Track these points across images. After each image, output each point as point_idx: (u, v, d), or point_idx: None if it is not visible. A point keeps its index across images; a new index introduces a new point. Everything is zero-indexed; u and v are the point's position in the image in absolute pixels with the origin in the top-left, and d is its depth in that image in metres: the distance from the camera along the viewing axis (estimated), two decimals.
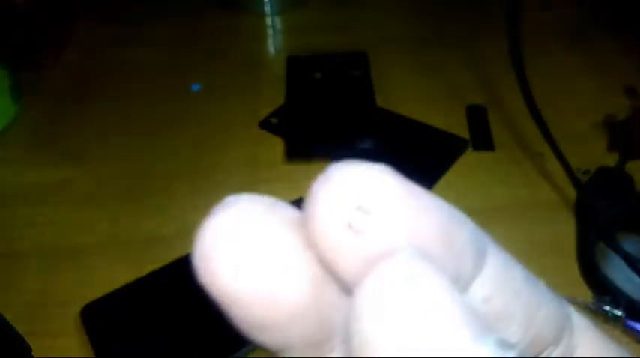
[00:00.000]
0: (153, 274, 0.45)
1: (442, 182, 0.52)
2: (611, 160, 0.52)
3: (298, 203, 0.42)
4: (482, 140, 0.56)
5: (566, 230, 0.48)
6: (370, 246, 0.09)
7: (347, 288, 0.10)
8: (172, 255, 0.46)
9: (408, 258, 0.09)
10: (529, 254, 0.46)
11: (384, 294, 0.08)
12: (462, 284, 0.10)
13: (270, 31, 0.74)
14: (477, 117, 0.58)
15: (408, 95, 0.62)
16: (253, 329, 0.10)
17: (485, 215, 0.49)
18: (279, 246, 0.10)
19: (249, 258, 0.10)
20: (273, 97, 0.62)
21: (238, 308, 0.10)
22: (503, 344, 0.08)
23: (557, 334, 0.12)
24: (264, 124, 0.59)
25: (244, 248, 0.10)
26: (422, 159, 0.54)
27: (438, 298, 0.08)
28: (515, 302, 0.11)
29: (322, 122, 0.58)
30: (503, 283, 0.11)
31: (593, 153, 0.53)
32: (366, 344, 0.08)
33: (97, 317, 0.42)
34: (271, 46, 0.72)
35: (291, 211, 0.11)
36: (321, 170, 0.46)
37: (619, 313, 0.41)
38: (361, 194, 0.09)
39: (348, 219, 0.09)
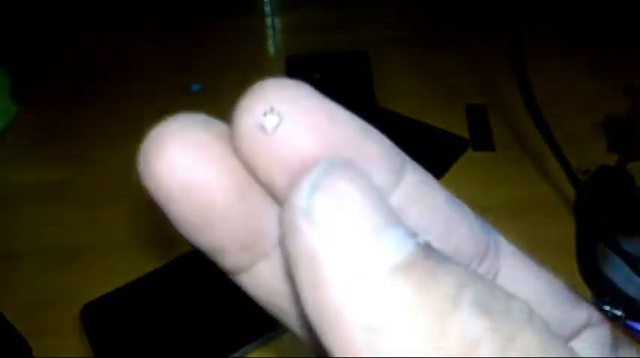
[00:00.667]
0: (152, 274, 0.44)
1: (442, 182, 0.52)
2: (611, 160, 0.51)
3: None
4: (483, 140, 0.56)
5: (566, 230, 0.48)
6: (283, 147, 0.11)
7: (270, 192, 0.12)
8: (172, 255, 0.46)
9: (323, 166, 0.10)
10: (530, 254, 0.46)
11: (312, 207, 0.10)
12: (379, 180, 0.12)
13: (270, 31, 0.74)
14: (477, 117, 0.58)
15: (408, 95, 0.61)
16: (188, 228, 0.12)
17: (485, 215, 0.49)
18: (208, 153, 0.11)
19: (183, 160, 0.11)
20: None
21: (172, 204, 0.12)
22: (414, 233, 0.10)
23: (477, 251, 0.14)
24: None
25: (179, 152, 0.11)
26: (422, 159, 0.53)
27: (350, 196, 0.10)
28: (431, 217, 0.12)
29: None
30: (419, 198, 0.12)
31: (593, 154, 0.53)
32: (303, 252, 0.10)
33: (97, 317, 0.42)
34: (271, 46, 0.72)
35: (224, 126, 0.12)
36: None
37: (619, 313, 0.41)
38: (274, 100, 0.11)
39: (259, 120, 0.11)
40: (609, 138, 0.54)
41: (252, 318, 0.42)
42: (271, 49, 0.71)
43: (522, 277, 0.15)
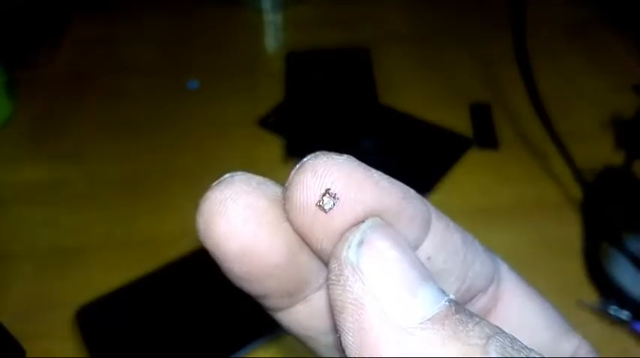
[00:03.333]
0: (149, 276, 0.44)
1: (446, 181, 0.51)
2: (618, 159, 0.51)
3: None
4: (486, 138, 0.55)
5: (571, 230, 0.47)
6: (336, 223, 0.12)
7: (318, 253, 0.13)
8: (169, 256, 0.45)
9: (368, 226, 0.12)
10: (535, 254, 0.46)
11: (354, 255, 0.11)
12: (415, 237, 0.13)
13: (269, 28, 0.73)
14: (480, 115, 0.57)
15: (411, 92, 0.61)
16: (239, 279, 0.13)
17: (490, 214, 0.48)
18: (265, 218, 0.12)
19: (243, 227, 0.12)
20: (272, 95, 0.61)
21: (228, 263, 0.13)
22: (442, 290, 0.11)
23: (485, 284, 0.16)
24: (264, 122, 0.58)
25: (240, 218, 0.12)
26: (425, 158, 0.54)
27: (391, 255, 0.11)
28: (453, 260, 0.14)
29: (323, 120, 0.57)
30: (443, 245, 0.14)
31: (600, 152, 0.53)
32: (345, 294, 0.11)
33: (93, 320, 0.41)
34: (271, 42, 0.71)
35: (276, 188, 0.13)
36: None
37: (625, 315, 0.41)
38: (328, 182, 0.12)
39: (316, 200, 0.12)
40: (616, 136, 0.54)
41: (249, 320, 0.41)
42: (271, 46, 0.70)
43: (521, 303, 0.17)
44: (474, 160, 0.53)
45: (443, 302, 0.11)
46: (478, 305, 0.16)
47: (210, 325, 0.41)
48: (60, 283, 0.45)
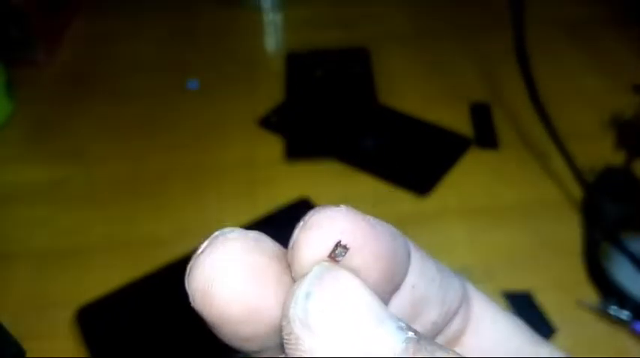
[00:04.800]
0: (149, 276, 0.44)
1: (447, 181, 0.51)
2: (618, 159, 0.51)
3: (298, 203, 0.41)
4: (486, 138, 0.55)
5: (571, 230, 0.47)
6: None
7: None
8: (169, 255, 0.45)
9: (314, 274, 0.11)
10: (535, 254, 0.46)
11: (301, 310, 0.11)
12: (400, 279, 0.14)
13: (269, 28, 0.73)
14: (480, 115, 0.57)
15: (411, 92, 0.61)
16: (240, 340, 0.13)
17: (490, 214, 0.48)
18: (264, 276, 0.12)
19: (244, 287, 0.12)
20: (272, 95, 0.61)
21: (233, 326, 0.12)
22: (403, 326, 0.11)
23: (458, 305, 0.16)
24: (264, 122, 0.58)
25: (240, 279, 0.12)
26: (424, 158, 0.54)
27: (342, 301, 0.11)
28: (431, 287, 0.15)
29: (323, 120, 0.57)
30: (422, 273, 0.15)
31: (600, 152, 0.52)
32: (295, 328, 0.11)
33: (93, 320, 0.41)
34: (271, 42, 0.71)
35: (270, 242, 0.13)
36: (320, 170, 0.45)
37: (625, 315, 0.41)
38: (336, 233, 0.12)
39: (330, 253, 0.12)
40: (617, 136, 0.54)
41: None
42: (271, 46, 0.70)
43: (491, 317, 0.17)
44: (474, 160, 0.53)
45: (400, 342, 0.11)
46: (454, 326, 0.16)
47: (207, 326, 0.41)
48: (60, 283, 0.45)
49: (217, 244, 0.12)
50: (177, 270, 0.44)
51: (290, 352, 0.11)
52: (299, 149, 0.54)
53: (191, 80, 0.64)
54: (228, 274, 0.12)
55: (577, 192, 0.49)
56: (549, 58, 0.63)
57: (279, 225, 0.47)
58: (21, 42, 0.65)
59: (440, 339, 0.16)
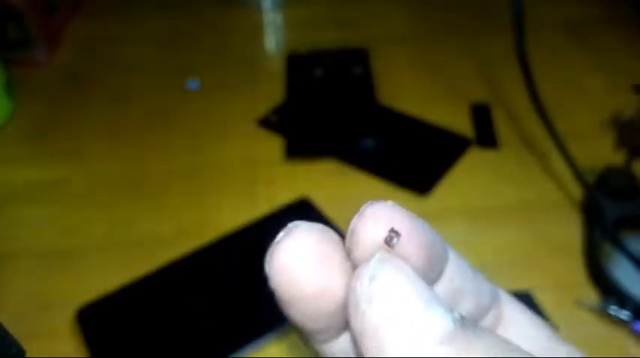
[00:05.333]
0: (149, 276, 0.44)
1: (447, 181, 0.51)
2: (618, 159, 0.51)
3: (298, 204, 0.41)
4: (486, 138, 0.55)
5: (572, 230, 0.47)
6: (398, 254, 0.14)
7: None
8: (169, 255, 0.45)
9: (376, 261, 0.14)
10: (535, 254, 0.46)
11: (372, 293, 0.13)
12: (440, 269, 0.16)
13: (269, 28, 0.73)
14: (480, 115, 0.57)
15: (411, 92, 0.61)
16: (308, 319, 0.15)
17: (490, 214, 0.48)
18: (332, 261, 0.14)
19: (318, 269, 0.14)
20: (272, 95, 0.61)
21: (303, 304, 0.14)
22: (450, 308, 0.13)
23: (491, 303, 0.18)
24: (264, 122, 0.58)
25: (314, 262, 0.14)
26: (424, 158, 0.54)
27: (400, 285, 0.13)
28: (467, 281, 0.17)
29: (323, 120, 0.57)
30: (458, 268, 0.17)
31: (600, 152, 0.53)
32: (357, 308, 0.13)
33: (94, 320, 0.41)
34: (270, 42, 0.71)
35: (334, 234, 0.15)
36: (320, 170, 0.45)
37: (625, 315, 0.41)
38: (390, 221, 0.14)
39: (385, 238, 0.14)
40: (617, 135, 0.54)
41: (249, 320, 0.41)
42: (270, 46, 0.70)
43: (520, 320, 0.19)
44: (473, 160, 0.53)
45: (450, 321, 0.13)
46: (486, 321, 0.18)
47: (210, 324, 0.41)
48: (60, 283, 0.45)
49: (293, 234, 0.14)
50: (177, 270, 0.44)
51: (357, 323, 0.13)
52: (299, 149, 0.54)
53: (191, 80, 0.64)
54: (303, 259, 0.14)
55: (577, 192, 0.49)
56: (549, 58, 0.63)
57: (279, 224, 0.47)
58: (21, 42, 0.65)
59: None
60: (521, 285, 0.43)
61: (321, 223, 0.15)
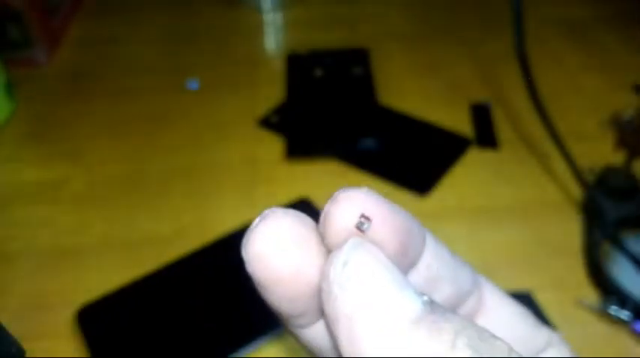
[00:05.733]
0: (149, 276, 0.44)
1: (447, 181, 0.51)
2: (618, 159, 0.51)
3: (298, 204, 0.41)
4: (486, 138, 0.55)
5: (571, 230, 0.47)
6: (368, 238, 0.15)
7: None
8: (169, 255, 0.45)
9: (349, 246, 0.14)
10: (535, 254, 0.46)
11: (340, 274, 0.14)
12: (416, 256, 0.16)
13: (269, 28, 0.73)
14: (480, 115, 0.57)
15: (411, 92, 0.61)
16: (286, 301, 0.15)
17: (490, 214, 0.48)
18: (306, 244, 0.15)
19: (292, 250, 0.14)
20: (272, 95, 0.61)
21: (281, 285, 0.14)
22: (419, 292, 0.14)
23: (471, 289, 0.18)
24: (264, 122, 0.58)
25: (289, 244, 0.14)
26: (424, 158, 0.54)
27: (372, 270, 0.14)
28: (445, 267, 0.17)
29: (323, 120, 0.57)
30: (436, 255, 0.17)
31: (600, 152, 0.53)
32: (330, 293, 0.14)
33: (94, 320, 0.41)
34: (271, 42, 0.71)
35: (308, 219, 0.15)
36: (320, 170, 0.45)
37: (625, 315, 0.41)
38: (361, 207, 0.15)
39: (356, 223, 0.15)
40: (617, 135, 0.54)
41: (249, 320, 0.41)
42: (271, 46, 0.70)
43: (499, 304, 0.19)
44: (473, 160, 0.53)
45: (419, 304, 0.13)
46: (467, 307, 0.18)
47: (211, 324, 0.41)
48: (60, 283, 0.45)
49: (268, 219, 0.15)
50: (177, 270, 0.44)
51: (330, 308, 0.14)
52: (299, 149, 0.54)
53: (191, 80, 0.64)
54: (279, 243, 0.14)
55: (577, 192, 0.49)
56: (549, 58, 0.63)
57: None
58: (21, 42, 0.65)
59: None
60: (521, 285, 0.43)
61: None
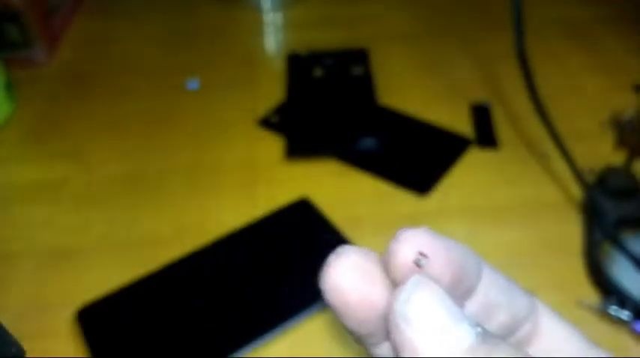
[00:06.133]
0: (149, 276, 0.44)
1: (447, 181, 0.51)
2: (618, 159, 0.51)
3: (297, 204, 0.42)
4: (486, 138, 0.55)
5: (571, 230, 0.47)
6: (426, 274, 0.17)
7: None
8: (169, 255, 0.45)
9: (411, 284, 0.16)
10: (535, 254, 0.46)
11: (404, 309, 0.16)
12: (472, 285, 0.18)
13: (269, 28, 0.73)
14: (480, 115, 0.57)
15: (411, 92, 0.61)
16: (358, 323, 0.18)
17: (490, 214, 0.48)
18: (371, 277, 0.17)
19: (361, 282, 0.17)
20: (272, 95, 0.61)
21: (351, 312, 0.17)
22: (474, 323, 0.16)
23: (527, 315, 0.20)
24: (264, 122, 0.58)
25: (358, 276, 0.17)
26: (424, 158, 0.54)
27: (431, 306, 0.16)
28: (501, 294, 0.19)
29: (323, 120, 0.57)
30: (492, 283, 0.19)
31: (600, 152, 0.53)
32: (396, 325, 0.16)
33: (93, 320, 0.41)
34: (271, 42, 0.71)
35: (374, 255, 0.18)
36: (320, 170, 0.45)
37: (625, 315, 0.41)
38: (419, 245, 0.17)
39: (414, 259, 0.17)
40: (618, 135, 0.54)
41: (249, 320, 0.41)
42: (271, 46, 0.70)
43: (555, 328, 0.21)
44: (473, 160, 0.53)
45: (472, 335, 0.15)
46: (523, 332, 0.20)
47: (210, 324, 0.41)
48: (60, 283, 0.45)
49: (341, 257, 0.17)
50: (177, 270, 0.44)
51: (396, 338, 0.16)
52: (299, 149, 0.54)
53: (191, 80, 0.64)
54: (347, 275, 0.17)
55: (577, 192, 0.49)
56: (549, 58, 0.63)
57: (279, 225, 0.47)
58: (21, 42, 0.65)
59: (511, 340, 0.20)
60: (521, 285, 0.43)
61: (320, 223, 0.16)
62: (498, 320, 0.19)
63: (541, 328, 0.20)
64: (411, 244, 0.17)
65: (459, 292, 0.18)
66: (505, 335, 0.20)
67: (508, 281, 0.20)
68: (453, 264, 0.17)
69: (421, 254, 0.17)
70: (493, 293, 0.19)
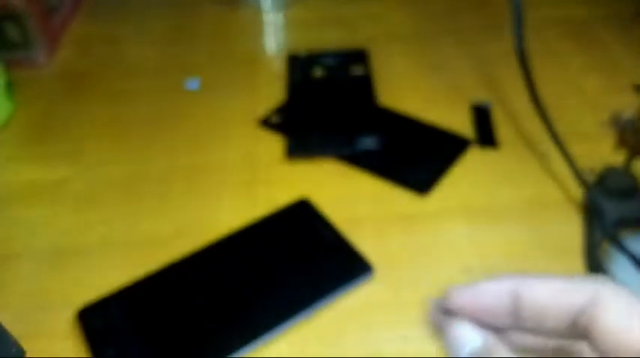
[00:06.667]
0: (149, 276, 0.44)
1: (447, 181, 0.51)
2: (618, 159, 0.51)
3: (297, 205, 0.42)
4: (486, 138, 0.55)
5: (571, 230, 0.47)
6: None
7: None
8: (169, 255, 0.45)
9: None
10: (535, 254, 0.46)
11: None
12: (505, 312, 0.21)
13: (269, 28, 0.73)
14: (480, 114, 0.57)
15: (411, 92, 0.61)
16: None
17: (491, 214, 0.48)
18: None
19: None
20: (272, 95, 0.61)
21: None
22: (508, 348, 0.20)
23: (584, 306, 0.20)
24: (265, 122, 0.58)
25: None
26: (424, 158, 0.54)
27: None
28: (553, 299, 0.20)
29: (323, 120, 0.57)
30: (532, 292, 0.21)
31: (600, 152, 0.52)
32: None
33: (94, 320, 0.41)
34: (271, 42, 0.71)
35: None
36: (320, 170, 0.45)
37: None
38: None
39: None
40: (618, 135, 0.54)
41: (249, 320, 0.41)
42: (271, 46, 0.70)
43: (617, 325, 0.19)
44: (473, 160, 0.53)
45: None
46: (580, 324, 0.20)
47: (210, 324, 0.41)
48: (60, 283, 0.45)
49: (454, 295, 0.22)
50: (177, 271, 0.44)
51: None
52: (299, 149, 0.54)
53: (191, 80, 0.64)
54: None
55: (577, 192, 0.49)
56: (549, 58, 0.63)
57: (279, 225, 0.47)
58: (21, 43, 0.65)
59: (573, 330, 0.20)
60: None
61: (320, 223, 0.15)
62: (552, 321, 0.20)
63: (599, 324, 0.19)
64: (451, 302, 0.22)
65: (498, 321, 0.21)
66: (562, 334, 0.21)
67: (561, 280, 0.20)
68: (481, 310, 0.21)
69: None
70: (534, 301, 0.20)
